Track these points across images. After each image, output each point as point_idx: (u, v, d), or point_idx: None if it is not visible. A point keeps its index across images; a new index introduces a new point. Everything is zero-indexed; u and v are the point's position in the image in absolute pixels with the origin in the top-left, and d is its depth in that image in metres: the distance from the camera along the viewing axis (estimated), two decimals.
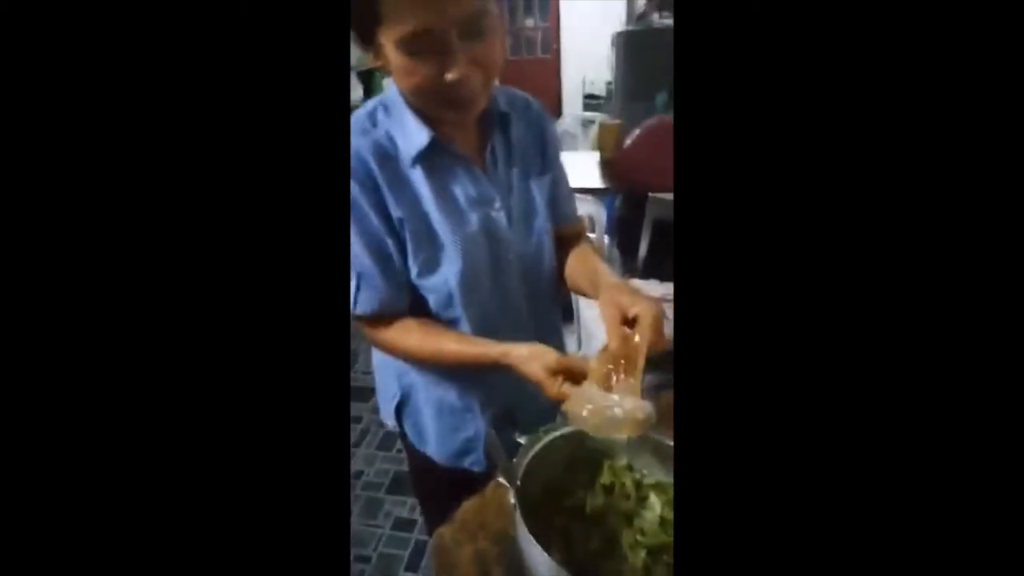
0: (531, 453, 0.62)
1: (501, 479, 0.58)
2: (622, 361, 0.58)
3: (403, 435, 0.88)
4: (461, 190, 0.70)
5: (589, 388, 0.57)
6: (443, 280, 0.70)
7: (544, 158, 0.81)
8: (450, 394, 0.81)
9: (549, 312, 0.86)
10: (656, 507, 0.64)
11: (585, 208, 1.81)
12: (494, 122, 0.73)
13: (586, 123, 3.18)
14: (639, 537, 0.60)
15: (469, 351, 0.68)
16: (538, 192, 0.79)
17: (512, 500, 0.55)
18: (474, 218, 0.71)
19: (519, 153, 0.76)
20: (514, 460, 0.61)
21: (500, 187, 0.74)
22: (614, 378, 0.58)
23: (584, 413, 0.56)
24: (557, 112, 3.97)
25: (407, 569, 1.43)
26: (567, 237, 0.86)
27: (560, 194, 0.84)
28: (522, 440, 0.63)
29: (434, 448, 0.85)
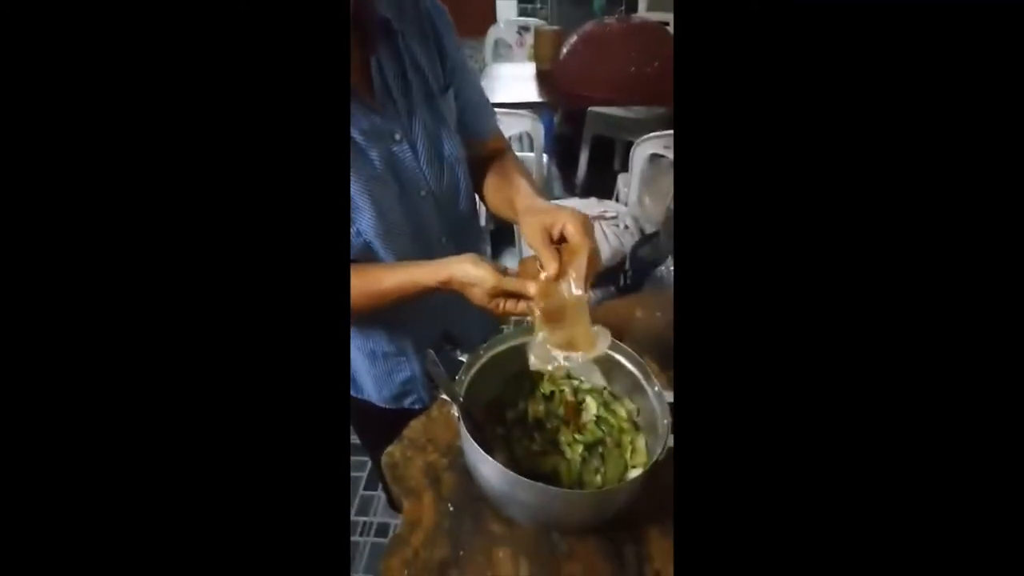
0: (473, 370, 0.64)
1: (445, 397, 0.60)
2: (563, 282, 0.57)
3: None
4: (353, 128, 0.60)
5: (548, 339, 0.57)
6: (356, 233, 0.65)
7: (444, 67, 0.69)
8: (380, 342, 0.78)
9: (474, 241, 0.82)
10: (592, 408, 0.69)
11: (521, 125, 1.75)
12: (375, 34, 0.60)
13: (521, 30, 2.98)
14: (576, 436, 0.65)
15: (408, 280, 0.62)
16: (444, 111, 0.69)
17: (456, 415, 0.58)
18: (375, 157, 0.63)
19: (412, 68, 0.65)
20: (456, 378, 0.62)
21: (397, 115, 0.64)
22: (562, 300, 0.57)
23: (550, 368, 0.57)
24: (490, 18, 3.69)
25: (366, 488, 1.50)
26: (485, 155, 0.78)
27: (470, 107, 0.74)
28: (463, 358, 0.64)
29: (373, 394, 0.84)
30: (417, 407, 0.84)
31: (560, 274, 0.56)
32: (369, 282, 0.63)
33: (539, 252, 0.58)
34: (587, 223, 0.58)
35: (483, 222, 1.97)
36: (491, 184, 0.76)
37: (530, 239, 0.59)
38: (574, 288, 0.56)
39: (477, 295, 0.59)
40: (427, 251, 0.70)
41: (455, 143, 0.71)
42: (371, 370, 0.82)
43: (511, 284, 0.57)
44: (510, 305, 0.59)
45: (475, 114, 0.76)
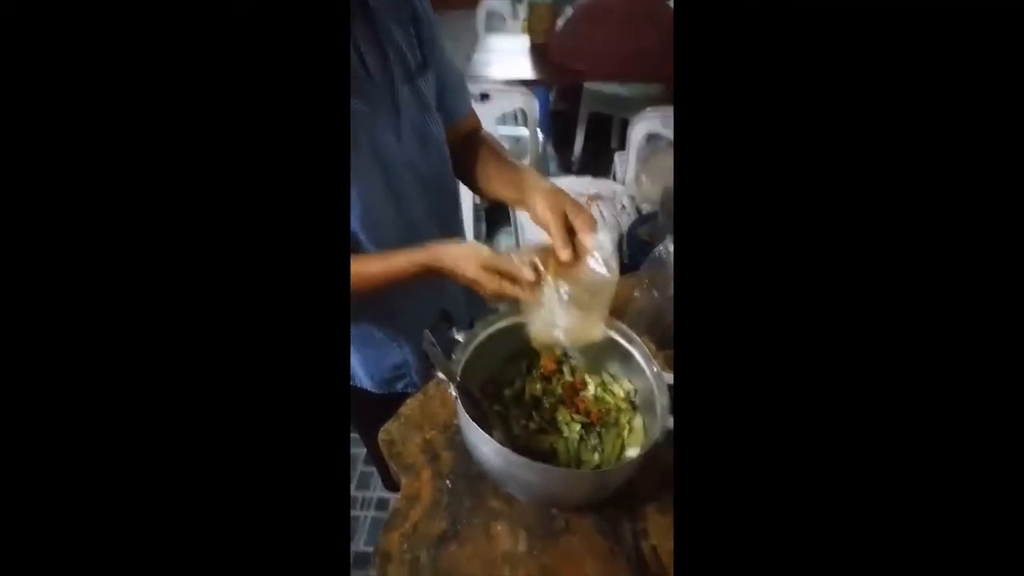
0: (470, 349, 0.64)
1: (441, 375, 0.59)
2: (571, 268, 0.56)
3: None
4: None
5: (547, 307, 0.55)
6: None
7: (422, 48, 0.66)
8: (371, 327, 0.78)
9: (456, 224, 0.81)
10: (591, 387, 0.70)
11: (515, 101, 1.72)
12: (352, 17, 0.58)
13: (515, 1, 2.90)
14: (574, 415, 0.66)
15: (396, 265, 0.62)
16: (424, 90, 0.66)
17: (453, 394, 0.57)
18: (358, 143, 0.61)
19: (391, 47, 0.62)
20: (453, 357, 0.62)
21: (377, 97, 0.62)
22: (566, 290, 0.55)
23: (555, 334, 0.56)
24: None
25: (365, 464, 1.51)
26: (462, 135, 0.76)
27: (448, 87, 0.72)
28: (460, 337, 0.64)
29: (365, 380, 0.83)
30: (409, 391, 0.84)
31: (573, 259, 0.55)
32: (356, 270, 0.62)
33: (553, 232, 0.57)
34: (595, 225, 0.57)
35: (476, 199, 1.95)
36: (485, 165, 0.74)
37: (543, 217, 0.58)
38: (603, 270, 0.55)
39: (470, 269, 0.57)
40: (413, 236, 0.67)
41: (437, 123, 0.69)
42: (362, 355, 0.82)
43: (504, 263, 0.56)
44: (504, 285, 0.57)
45: (453, 93, 0.73)
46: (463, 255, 0.58)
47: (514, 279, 0.56)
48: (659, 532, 0.58)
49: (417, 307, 0.76)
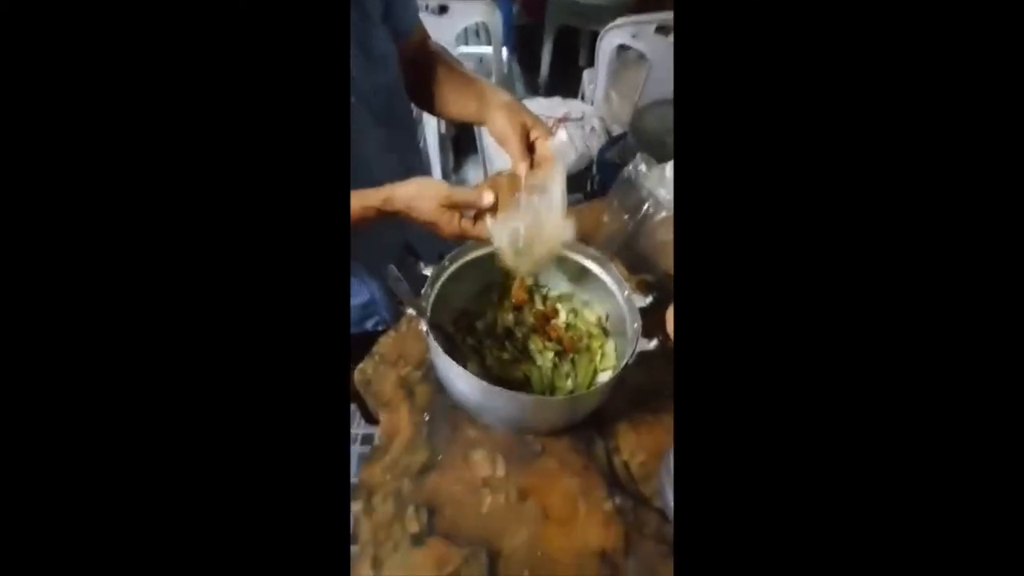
0: (439, 283, 0.62)
1: (411, 311, 0.58)
2: (533, 183, 0.55)
3: None
4: None
5: (512, 222, 0.54)
6: None
7: None
8: None
9: (416, 157, 0.76)
10: (562, 315, 0.70)
11: (477, 14, 1.58)
12: None
13: None
14: (547, 343, 0.66)
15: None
16: (372, 11, 0.62)
17: (425, 329, 0.56)
18: None
19: None
20: (422, 292, 0.60)
21: None
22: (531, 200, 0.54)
23: (515, 255, 0.55)
24: None
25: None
26: (412, 50, 0.71)
27: (394, 2, 0.67)
28: (427, 272, 0.62)
29: None
30: (380, 328, 0.83)
31: (530, 168, 0.54)
32: None
33: (510, 146, 0.55)
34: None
35: (442, 129, 1.85)
36: (438, 80, 0.69)
37: (502, 132, 0.56)
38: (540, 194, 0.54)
39: (425, 210, 0.54)
40: (366, 176, 0.63)
41: (385, 38, 0.63)
42: None
43: (463, 195, 0.54)
44: (465, 223, 0.55)
45: (399, 3, 0.67)
46: (417, 194, 0.55)
47: (473, 207, 0.54)
48: (629, 448, 0.61)
49: (379, 242, 0.73)
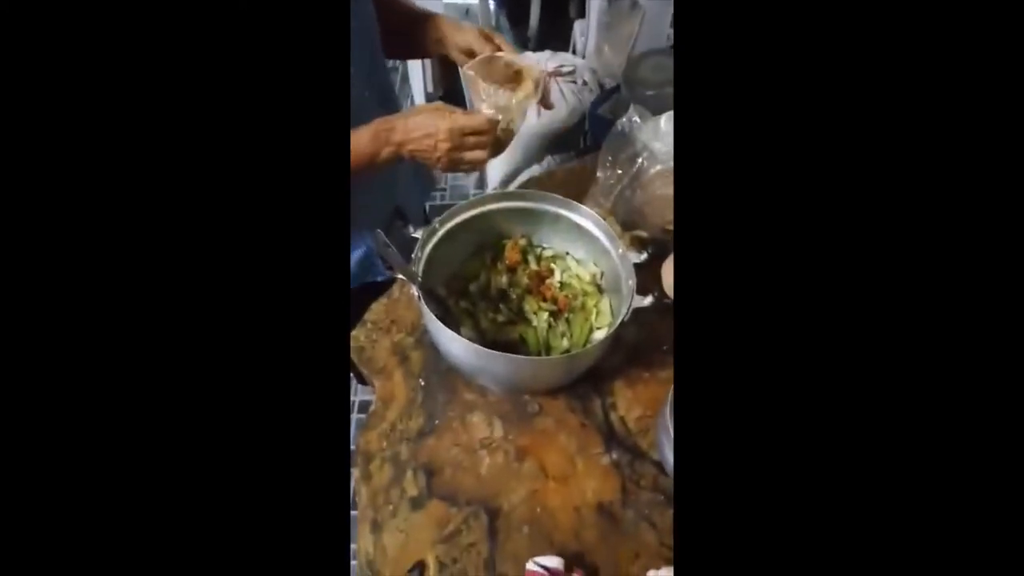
0: (429, 246, 0.61)
1: (401, 276, 0.57)
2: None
3: None
4: None
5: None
6: None
7: None
8: None
9: (389, 89, 0.75)
10: (557, 274, 0.68)
11: None
12: None
13: None
14: (542, 303, 0.65)
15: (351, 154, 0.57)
16: None
17: (417, 294, 0.55)
18: None
19: None
20: (413, 256, 0.59)
21: None
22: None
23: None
24: None
25: None
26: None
27: None
28: (417, 235, 0.60)
29: None
30: (379, 279, 0.82)
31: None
32: None
33: (469, 36, 0.61)
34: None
35: (430, 87, 1.79)
36: (404, 25, 0.69)
37: (462, 50, 0.62)
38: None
39: (441, 147, 0.55)
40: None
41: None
42: None
43: (468, 120, 0.56)
44: (471, 155, 0.57)
45: None
46: (424, 130, 0.55)
47: (484, 131, 0.56)
48: (626, 404, 0.61)
49: (366, 202, 0.71)
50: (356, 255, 0.79)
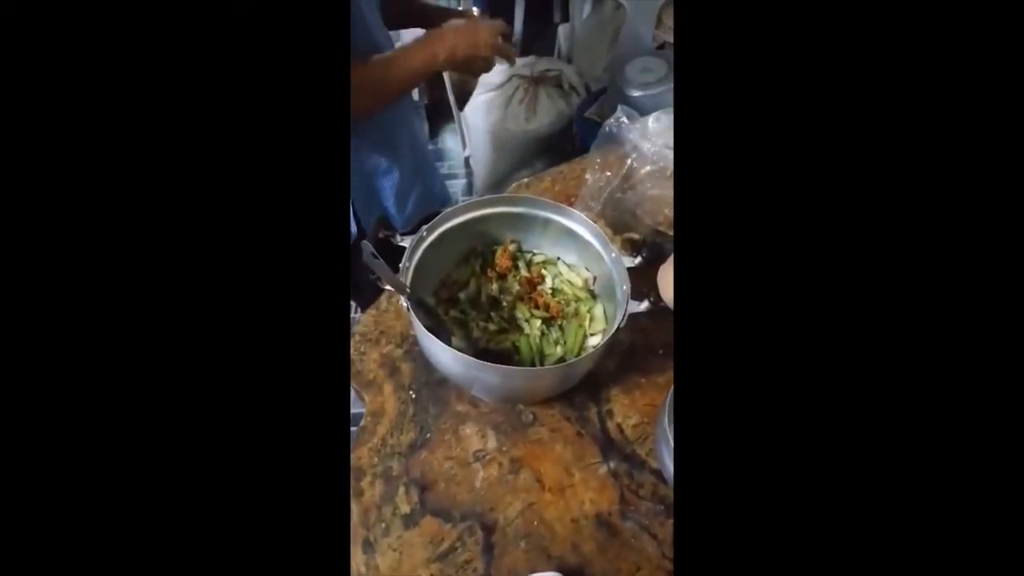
0: (417, 254, 0.59)
1: (389, 287, 0.55)
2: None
3: None
4: None
5: None
6: None
7: None
8: None
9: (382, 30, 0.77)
10: (548, 280, 0.67)
11: None
12: None
13: None
14: (534, 311, 0.63)
15: (409, 69, 0.66)
16: None
17: (406, 305, 0.54)
18: None
19: None
20: (400, 266, 0.57)
21: None
22: None
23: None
24: None
25: None
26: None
27: None
28: (404, 243, 0.59)
29: None
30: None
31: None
32: (371, 79, 0.64)
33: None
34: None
35: (416, 96, 1.77)
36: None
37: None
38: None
39: (485, 51, 0.67)
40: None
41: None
42: None
43: (495, 24, 0.69)
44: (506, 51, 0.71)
45: None
46: (469, 37, 0.66)
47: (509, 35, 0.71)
48: (622, 410, 0.59)
49: (359, 202, 0.71)
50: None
